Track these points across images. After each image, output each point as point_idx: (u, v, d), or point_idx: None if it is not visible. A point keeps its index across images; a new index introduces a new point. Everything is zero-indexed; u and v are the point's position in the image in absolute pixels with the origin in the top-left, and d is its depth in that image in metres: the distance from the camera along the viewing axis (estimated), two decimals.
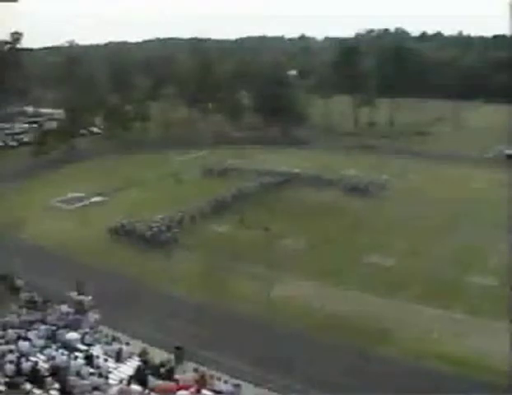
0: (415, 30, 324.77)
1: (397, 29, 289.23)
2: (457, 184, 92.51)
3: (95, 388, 32.79)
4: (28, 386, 32.92)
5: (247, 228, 72.62)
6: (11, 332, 40.53)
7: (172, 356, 39.93)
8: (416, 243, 68.14)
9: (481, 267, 60.11)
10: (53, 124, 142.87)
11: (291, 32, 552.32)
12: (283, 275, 58.27)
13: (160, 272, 60.57)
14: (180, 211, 79.00)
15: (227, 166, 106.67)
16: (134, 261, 64.98)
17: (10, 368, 34.78)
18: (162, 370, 36.44)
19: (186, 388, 33.15)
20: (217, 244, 69.29)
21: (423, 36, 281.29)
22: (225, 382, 35.15)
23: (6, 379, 33.66)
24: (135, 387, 33.14)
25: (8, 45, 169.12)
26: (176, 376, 35.87)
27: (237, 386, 34.73)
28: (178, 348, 40.98)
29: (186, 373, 36.77)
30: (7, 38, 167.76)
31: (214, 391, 33.96)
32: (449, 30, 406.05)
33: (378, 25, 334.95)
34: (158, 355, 39.26)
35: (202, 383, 34.18)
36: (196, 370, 36.28)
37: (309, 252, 66.77)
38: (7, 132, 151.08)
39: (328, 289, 56.54)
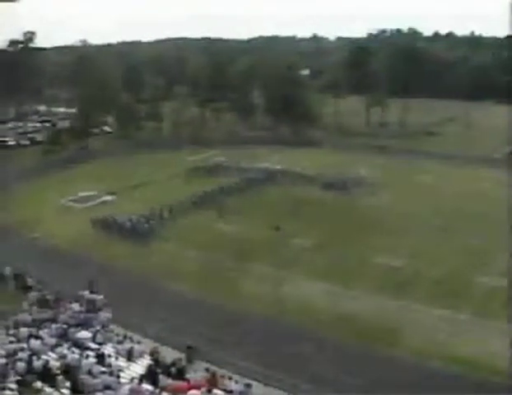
0: (427, 30, 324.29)
1: (409, 29, 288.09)
2: (466, 184, 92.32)
3: (107, 387, 32.89)
4: (39, 384, 33.02)
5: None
6: (22, 330, 40.69)
7: (183, 355, 40.00)
8: (422, 244, 68.31)
9: (491, 266, 59.94)
10: (66, 123, 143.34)
11: (303, 32, 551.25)
12: None
13: None
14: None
15: (239, 166, 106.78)
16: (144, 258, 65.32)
17: (21, 366, 34.92)
18: (173, 370, 36.54)
19: (197, 387, 33.17)
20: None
21: (435, 36, 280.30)
22: (236, 382, 35.17)
23: (18, 377, 33.81)
24: (146, 386, 33.23)
25: (21, 45, 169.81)
26: (187, 375, 35.97)
27: (248, 385, 34.74)
28: (189, 347, 40.95)
29: (197, 372, 36.80)
30: (20, 37, 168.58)
31: (225, 390, 33.99)
32: (461, 30, 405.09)
33: (390, 25, 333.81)
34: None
35: (213, 382, 34.20)
36: (207, 370, 36.29)
37: (324, 251, 66.91)
38: (20, 131, 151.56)
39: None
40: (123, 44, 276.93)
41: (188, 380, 34.91)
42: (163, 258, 66.04)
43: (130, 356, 38.34)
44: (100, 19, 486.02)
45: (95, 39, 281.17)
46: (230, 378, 35.47)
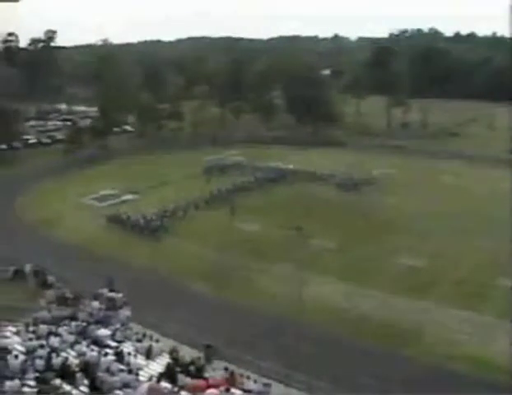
0: (448, 31, 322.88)
1: (430, 29, 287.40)
2: (488, 185, 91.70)
3: (125, 385, 32.85)
4: (58, 381, 33.02)
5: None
6: (42, 328, 40.73)
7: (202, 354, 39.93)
8: (442, 244, 67.94)
9: None
10: (87, 122, 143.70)
11: (325, 32, 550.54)
12: None
13: None
14: None
15: (254, 165, 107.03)
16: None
17: (40, 363, 34.94)
18: (192, 368, 36.46)
19: (215, 386, 33.05)
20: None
21: (456, 37, 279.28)
22: (255, 381, 35.03)
23: (37, 374, 33.83)
24: (164, 384, 33.15)
25: (42, 43, 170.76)
26: (206, 374, 35.88)
27: (268, 385, 34.61)
28: (207, 346, 40.86)
29: (216, 371, 36.70)
30: (41, 36, 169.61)
31: (244, 390, 33.86)
32: (482, 31, 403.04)
33: (411, 25, 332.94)
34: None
35: (231, 381, 34.08)
36: (226, 369, 36.18)
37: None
38: (41, 129, 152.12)
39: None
40: (144, 43, 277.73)
41: (206, 379, 34.80)
42: (175, 255, 66.92)
43: (149, 354, 38.28)
44: (120, 18, 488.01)
45: (116, 39, 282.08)
46: (249, 378, 35.33)
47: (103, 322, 43.22)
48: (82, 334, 40.55)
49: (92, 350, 37.19)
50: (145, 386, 32.38)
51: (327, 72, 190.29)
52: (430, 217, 77.47)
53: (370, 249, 66.95)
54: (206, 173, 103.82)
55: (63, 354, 36.62)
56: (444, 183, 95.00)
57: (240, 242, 70.20)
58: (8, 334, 40.06)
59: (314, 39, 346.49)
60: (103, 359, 35.61)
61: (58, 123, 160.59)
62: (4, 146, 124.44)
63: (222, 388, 32.66)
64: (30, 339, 39.06)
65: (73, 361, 35.90)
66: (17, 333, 40.38)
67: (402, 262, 62.73)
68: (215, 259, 64.53)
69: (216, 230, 75.35)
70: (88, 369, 34.71)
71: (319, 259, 63.00)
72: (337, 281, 58.51)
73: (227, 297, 55.53)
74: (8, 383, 31.61)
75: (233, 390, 33.00)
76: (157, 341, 40.48)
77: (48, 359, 35.29)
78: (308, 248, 60.88)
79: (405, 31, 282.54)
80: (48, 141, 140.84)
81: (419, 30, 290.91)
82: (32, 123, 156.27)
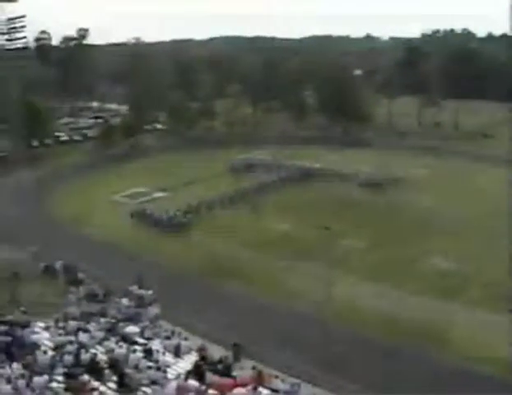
0: (481, 31, 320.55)
1: (463, 29, 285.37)
2: None
3: (153, 382, 32.87)
4: (86, 377, 33.10)
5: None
6: (71, 324, 40.92)
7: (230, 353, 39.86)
8: (472, 246, 67.30)
9: None
10: (118, 120, 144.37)
11: (357, 32, 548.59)
12: None
13: None
14: None
15: (280, 164, 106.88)
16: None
17: (69, 359, 35.08)
18: (220, 367, 36.40)
19: (243, 385, 32.96)
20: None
21: (489, 37, 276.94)
22: (283, 380, 34.89)
23: (65, 370, 33.97)
24: (192, 382, 33.11)
25: (74, 41, 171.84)
26: (233, 373, 35.80)
27: (297, 385, 34.44)
28: (235, 345, 40.76)
29: (244, 370, 36.63)
30: (73, 34, 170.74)
31: (271, 389, 33.72)
32: None
33: (444, 25, 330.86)
34: None
35: (259, 380, 33.97)
36: (254, 368, 36.08)
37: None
38: (73, 126, 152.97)
39: None
40: (176, 41, 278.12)
41: (234, 378, 34.72)
42: (200, 251, 67.12)
43: (177, 352, 38.28)
44: (152, 17, 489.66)
45: (149, 37, 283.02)
46: (277, 377, 35.21)
47: (132, 320, 43.38)
48: (111, 331, 40.76)
49: (121, 346, 37.32)
50: (174, 384, 32.39)
51: (359, 72, 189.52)
52: (460, 218, 76.68)
53: (399, 250, 66.48)
54: (231, 171, 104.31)
55: (92, 350, 36.81)
56: (476, 184, 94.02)
57: (264, 240, 70.26)
58: (38, 329, 40.28)
59: (346, 39, 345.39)
60: (131, 355, 35.73)
61: (90, 120, 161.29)
62: (36, 144, 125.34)
63: (250, 387, 32.59)
64: (60, 335, 39.31)
65: (102, 357, 36.09)
66: (47, 329, 40.62)
67: (431, 263, 62.29)
68: (239, 256, 64.60)
69: (241, 227, 75.48)
70: (116, 365, 34.84)
71: (349, 259, 62.68)
72: (366, 281, 58.18)
73: (256, 295, 55.41)
74: (36, 379, 31.78)
75: (260, 389, 32.91)
76: (186, 338, 40.53)
77: (77, 355, 35.46)
78: (337, 248, 60.90)
79: (437, 31, 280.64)
80: (80, 138, 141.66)
81: (451, 30, 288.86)
82: (64, 120, 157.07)
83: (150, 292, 48.72)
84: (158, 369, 34.21)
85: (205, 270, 61.20)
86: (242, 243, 69.03)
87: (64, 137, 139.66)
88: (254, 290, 56.53)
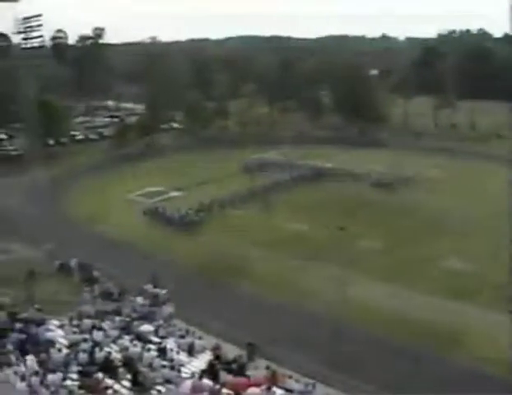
0: (497, 32, 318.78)
1: (479, 29, 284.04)
2: None
3: (167, 381, 32.88)
4: (100, 375, 33.14)
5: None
6: (86, 322, 41.00)
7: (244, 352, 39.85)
8: (486, 247, 66.87)
9: None
10: (134, 119, 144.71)
11: (373, 32, 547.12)
12: None
13: None
14: None
15: (292, 164, 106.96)
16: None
17: (83, 357, 35.14)
18: (234, 366, 36.38)
19: (257, 384, 32.91)
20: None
21: (506, 37, 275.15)
22: (297, 381, 34.81)
23: (79, 368, 34.02)
24: (206, 381, 33.09)
25: (91, 40, 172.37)
26: (247, 373, 35.78)
27: (312, 385, 34.31)
28: (249, 345, 40.73)
29: (258, 370, 36.60)
30: (89, 33, 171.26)
31: (285, 389, 33.65)
32: None
33: (460, 25, 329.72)
34: None
35: (273, 380, 33.90)
36: (268, 368, 36.03)
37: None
38: (89, 125, 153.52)
39: None
40: (192, 41, 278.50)
41: (248, 377, 34.69)
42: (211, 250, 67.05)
43: (191, 351, 38.29)
44: (168, 16, 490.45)
45: (164, 36, 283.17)
46: (291, 377, 35.13)
47: (146, 318, 43.46)
48: (126, 329, 40.80)
49: (135, 345, 37.35)
50: (188, 383, 32.38)
51: (374, 71, 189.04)
52: (472, 218, 76.24)
53: (412, 250, 66.31)
54: (245, 171, 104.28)
55: (106, 348, 36.81)
56: (489, 184, 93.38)
57: (277, 239, 70.25)
58: (52, 327, 40.39)
59: (362, 39, 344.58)
60: (145, 354, 35.74)
61: (106, 119, 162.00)
62: (52, 142, 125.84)
63: (264, 387, 32.54)
64: (74, 333, 39.40)
65: (116, 356, 36.12)
66: (61, 327, 40.71)
67: (444, 264, 62.04)
68: (251, 255, 64.64)
69: (253, 226, 75.67)
70: (130, 364, 34.84)
71: (362, 259, 62.44)
72: (379, 281, 58.03)
73: (270, 295, 55.37)
74: (51, 376, 31.83)
75: (274, 389, 32.85)
76: (200, 338, 40.55)
77: (92, 353, 35.50)
78: (350, 248, 60.78)
79: (453, 31, 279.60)
80: (96, 137, 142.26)
81: (467, 31, 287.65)
82: (80, 119, 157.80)
83: (164, 291, 48.83)
84: (172, 367, 34.20)
85: (217, 269, 61.19)
86: (254, 242, 68.92)
87: (80, 136, 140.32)
88: (267, 289, 56.50)
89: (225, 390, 32.39)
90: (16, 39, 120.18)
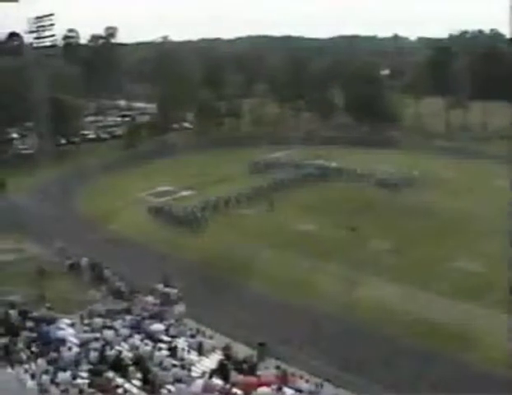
0: (510, 33, 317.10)
1: (491, 30, 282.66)
2: None
3: (178, 380, 32.86)
4: (111, 374, 33.19)
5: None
6: (97, 321, 41.10)
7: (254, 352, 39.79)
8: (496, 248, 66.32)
9: None
10: (145, 118, 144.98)
11: (384, 32, 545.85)
12: None
13: None
14: None
15: (298, 163, 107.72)
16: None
17: (94, 355, 35.19)
18: (244, 366, 36.33)
19: (267, 384, 32.87)
20: None
21: None
22: (307, 381, 34.74)
23: (90, 366, 34.07)
24: (217, 380, 33.08)
25: (102, 40, 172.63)
26: (258, 372, 35.72)
27: (320, 385, 34.25)
28: (260, 344, 40.66)
29: (268, 369, 36.52)
30: (102, 32, 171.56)
31: (296, 389, 33.58)
32: None
33: (472, 26, 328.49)
34: None
35: (283, 380, 33.85)
36: (278, 368, 35.98)
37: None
38: (100, 124, 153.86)
39: None
40: (203, 41, 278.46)
41: (258, 377, 34.65)
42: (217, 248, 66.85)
43: (202, 351, 38.27)
44: (180, 15, 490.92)
45: (176, 36, 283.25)
46: (301, 377, 35.07)
47: (157, 317, 43.48)
48: (136, 328, 40.83)
49: (146, 344, 37.41)
50: (200, 382, 32.39)
51: (386, 72, 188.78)
52: (483, 219, 75.87)
53: (423, 251, 65.92)
54: (255, 170, 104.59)
55: (117, 347, 36.88)
56: (500, 186, 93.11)
57: (285, 239, 70.00)
58: (63, 326, 40.46)
59: (373, 39, 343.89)
60: (156, 353, 35.79)
61: (117, 118, 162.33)
62: (63, 141, 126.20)
63: (274, 387, 32.50)
64: (85, 331, 39.50)
65: (127, 355, 36.13)
66: (72, 325, 40.77)
67: (456, 265, 61.74)
68: (259, 255, 64.40)
69: (259, 225, 75.72)
70: (141, 363, 34.86)
71: (375, 260, 62.39)
72: (391, 282, 57.85)
73: (280, 295, 55.26)
74: (61, 375, 31.89)
75: (285, 389, 32.80)
76: (211, 337, 40.56)
77: (102, 351, 35.56)
78: (359, 248, 60.68)
79: (465, 32, 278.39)
80: (107, 136, 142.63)
81: (480, 31, 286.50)
82: (91, 118, 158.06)
83: (175, 290, 48.85)
84: (183, 367, 34.21)
85: (224, 268, 61.09)
86: (262, 241, 68.67)
87: (91, 135, 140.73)
88: (278, 289, 56.36)
89: (235, 389, 32.39)
90: (28, 38, 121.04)
